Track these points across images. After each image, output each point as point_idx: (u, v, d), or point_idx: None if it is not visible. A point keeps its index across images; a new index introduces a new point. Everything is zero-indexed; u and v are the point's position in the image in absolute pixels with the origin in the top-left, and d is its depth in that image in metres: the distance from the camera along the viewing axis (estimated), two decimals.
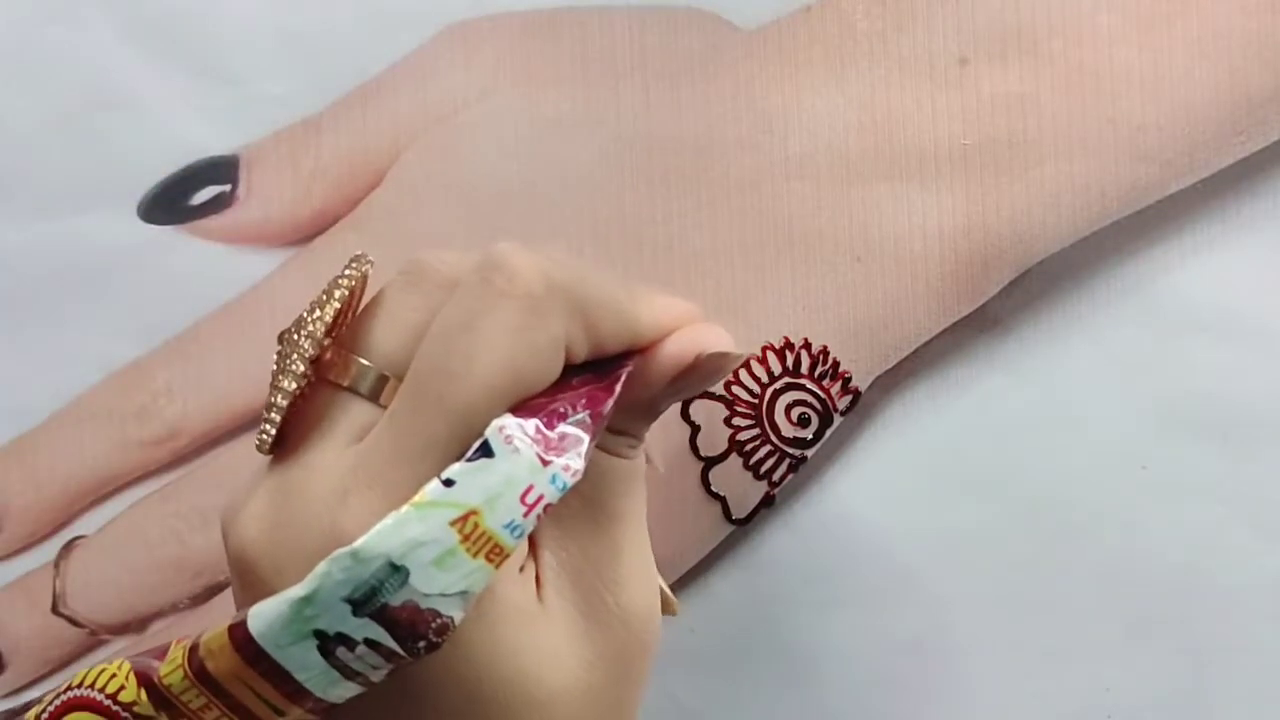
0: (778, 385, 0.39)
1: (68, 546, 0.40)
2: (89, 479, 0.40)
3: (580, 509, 0.29)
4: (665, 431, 0.39)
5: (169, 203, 0.41)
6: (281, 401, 0.28)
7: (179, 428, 0.40)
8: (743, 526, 0.40)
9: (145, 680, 0.26)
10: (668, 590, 0.37)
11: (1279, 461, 0.40)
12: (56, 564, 0.40)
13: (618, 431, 0.30)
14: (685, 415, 0.39)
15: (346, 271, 0.29)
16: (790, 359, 0.39)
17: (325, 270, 0.40)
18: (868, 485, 0.40)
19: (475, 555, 0.25)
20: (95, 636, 0.40)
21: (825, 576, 0.40)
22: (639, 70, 0.40)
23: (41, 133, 0.41)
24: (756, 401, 0.39)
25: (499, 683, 0.27)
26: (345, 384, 0.28)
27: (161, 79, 0.41)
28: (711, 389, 0.39)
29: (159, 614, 0.41)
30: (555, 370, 0.28)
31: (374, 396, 0.28)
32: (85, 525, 0.41)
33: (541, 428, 0.26)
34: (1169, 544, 0.40)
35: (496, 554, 0.25)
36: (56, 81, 0.41)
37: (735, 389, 0.39)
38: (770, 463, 0.39)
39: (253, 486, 0.29)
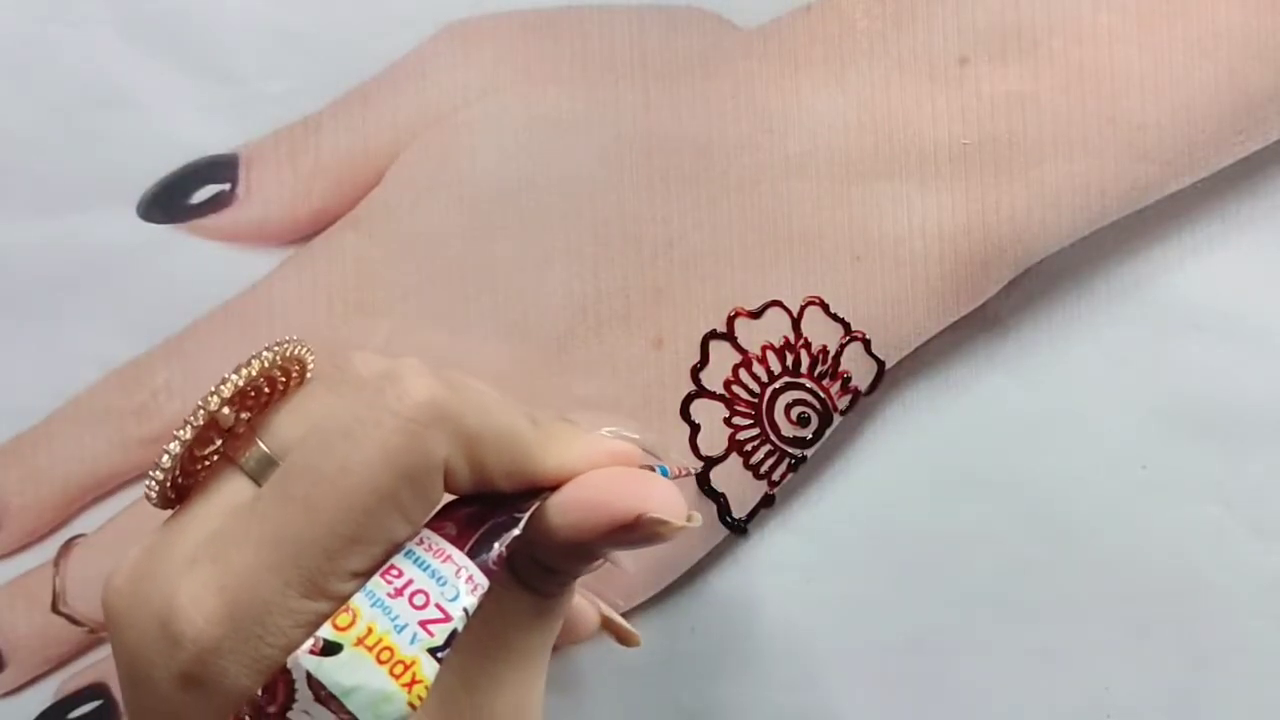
0: (777, 385, 0.39)
1: (67, 545, 0.40)
2: (88, 477, 0.40)
3: (482, 637, 0.28)
4: (666, 431, 0.39)
5: (168, 202, 0.41)
6: (166, 461, 0.28)
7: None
8: (742, 527, 0.40)
9: None
10: (622, 622, 0.36)
11: (1279, 461, 0.40)
12: (56, 563, 0.40)
13: (548, 568, 0.30)
14: (685, 415, 0.39)
15: (266, 351, 0.29)
16: (790, 359, 0.39)
17: (324, 269, 0.40)
18: (868, 485, 0.40)
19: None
20: (95, 635, 0.40)
21: (825, 576, 0.40)
22: (639, 70, 0.40)
23: (41, 132, 0.41)
24: (756, 401, 0.39)
25: None
26: (238, 460, 0.28)
27: (161, 78, 0.41)
28: (718, 391, 0.39)
29: None
30: (432, 496, 0.27)
31: (257, 477, 0.28)
32: (85, 524, 0.40)
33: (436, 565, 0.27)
34: (1169, 544, 0.40)
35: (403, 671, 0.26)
36: (56, 81, 0.41)
37: (735, 388, 0.39)
38: (770, 462, 0.39)
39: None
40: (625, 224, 0.39)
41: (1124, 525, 0.40)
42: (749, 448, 0.39)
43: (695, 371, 0.39)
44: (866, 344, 0.39)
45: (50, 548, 0.40)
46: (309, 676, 0.25)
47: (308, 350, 0.30)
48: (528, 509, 0.28)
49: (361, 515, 0.26)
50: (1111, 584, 0.40)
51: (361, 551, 0.26)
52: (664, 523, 0.29)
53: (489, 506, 0.28)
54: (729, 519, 0.39)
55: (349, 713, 0.25)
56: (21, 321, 0.41)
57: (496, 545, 0.27)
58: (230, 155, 0.41)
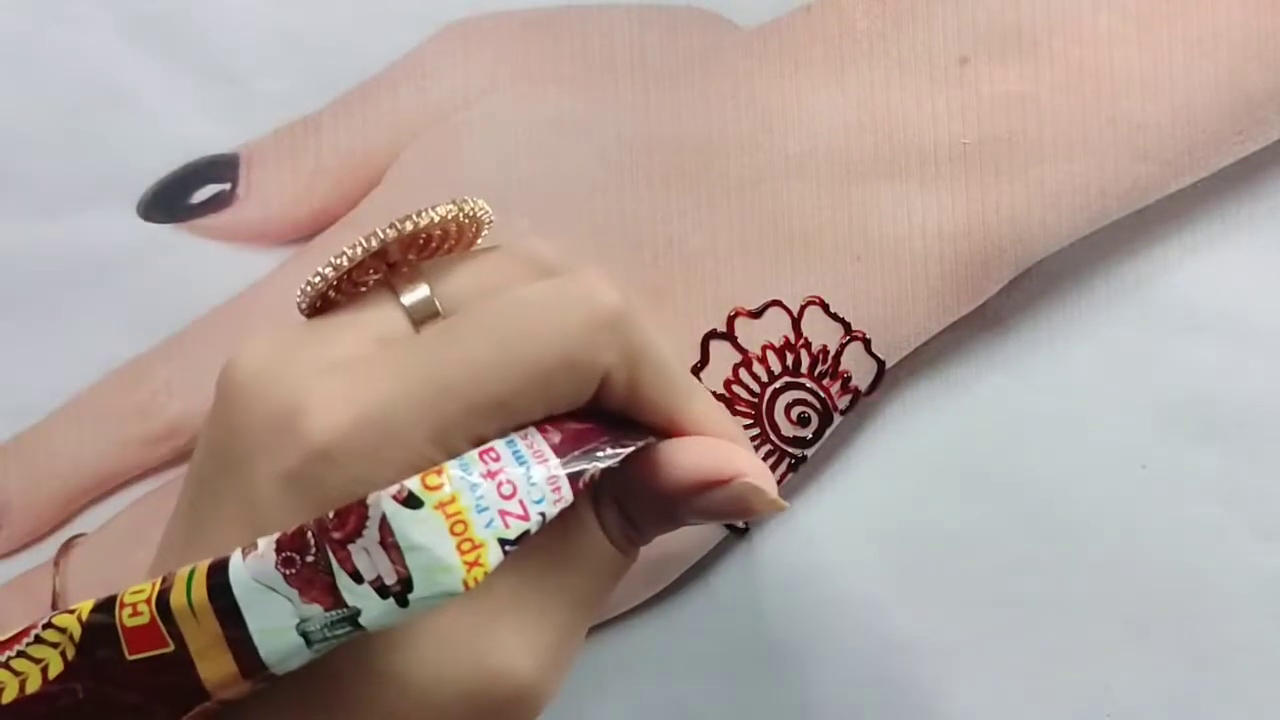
0: (777, 385, 0.39)
1: (67, 545, 0.40)
2: (89, 477, 0.40)
3: (544, 562, 0.28)
4: None
5: (169, 201, 0.41)
6: (328, 271, 0.29)
7: (179, 425, 0.40)
8: (743, 527, 0.40)
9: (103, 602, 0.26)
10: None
11: (1279, 461, 0.40)
12: (56, 562, 0.40)
13: (630, 520, 0.30)
14: None
15: (448, 204, 0.29)
16: (790, 358, 0.39)
17: None
18: (868, 485, 0.40)
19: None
20: None
21: (825, 576, 0.40)
22: (639, 70, 0.40)
23: (41, 132, 0.41)
24: (756, 401, 0.39)
25: (349, 670, 0.27)
26: (398, 292, 0.29)
27: (161, 77, 0.41)
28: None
29: None
30: (583, 393, 0.28)
31: (413, 315, 0.29)
32: (85, 523, 0.40)
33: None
34: (1169, 544, 0.40)
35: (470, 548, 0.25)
36: (56, 80, 0.41)
37: (735, 388, 0.39)
38: (770, 462, 0.39)
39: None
40: (625, 224, 0.39)
41: (1124, 525, 0.40)
42: None
43: (695, 371, 0.39)
44: (866, 344, 0.39)
45: (50, 548, 0.40)
46: (383, 519, 0.24)
47: (488, 214, 0.30)
48: (632, 444, 0.28)
49: (515, 383, 0.27)
50: (1111, 584, 0.40)
51: (499, 419, 0.27)
52: (759, 490, 0.29)
53: (597, 429, 0.28)
54: None
55: (406, 568, 0.24)
56: (22, 321, 0.41)
57: (591, 467, 0.27)
58: (230, 155, 0.41)
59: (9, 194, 0.41)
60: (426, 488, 0.25)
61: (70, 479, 0.40)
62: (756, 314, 0.39)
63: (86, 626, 0.26)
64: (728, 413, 0.30)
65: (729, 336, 0.39)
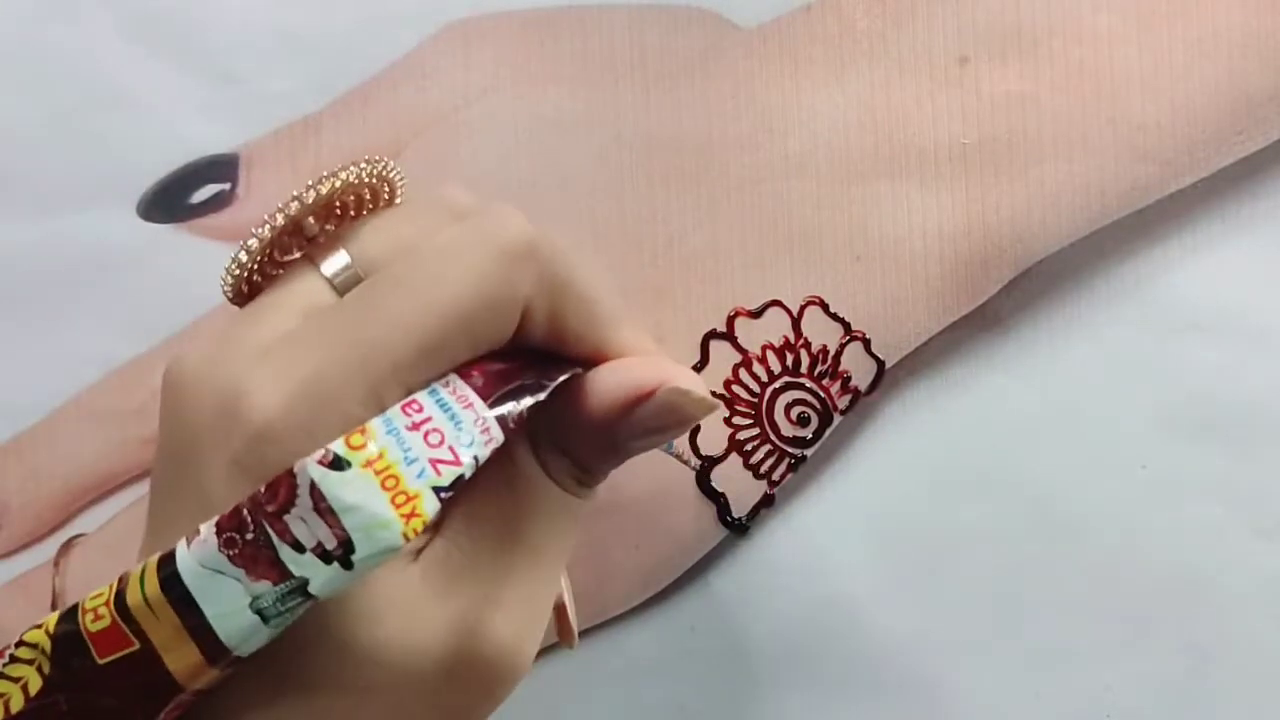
0: (777, 385, 0.39)
1: (67, 545, 0.40)
2: (89, 477, 0.40)
3: (496, 521, 0.28)
4: None
5: (169, 201, 0.41)
6: (243, 256, 0.29)
7: None
8: (742, 526, 0.40)
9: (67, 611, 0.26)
10: (572, 620, 0.35)
11: (1279, 461, 0.40)
12: (56, 562, 0.40)
13: (575, 461, 0.29)
14: None
15: (355, 165, 0.29)
16: (790, 358, 0.39)
17: None
18: (868, 485, 0.40)
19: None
20: None
21: (825, 576, 0.40)
22: (639, 70, 0.40)
23: (41, 132, 0.41)
24: (756, 401, 0.39)
25: (338, 644, 0.27)
26: (319, 264, 0.29)
27: (161, 77, 0.41)
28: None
29: None
30: (504, 329, 0.28)
31: (337, 284, 0.29)
32: (85, 523, 0.40)
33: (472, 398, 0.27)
34: (1169, 544, 0.40)
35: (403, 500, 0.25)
36: (56, 80, 0.41)
37: (735, 388, 0.39)
38: (770, 462, 0.39)
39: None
40: (625, 224, 0.39)
41: (1124, 525, 0.40)
42: (749, 448, 0.39)
43: (695, 371, 0.39)
44: (866, 344, 0.39)
45: (50, 548, 0.40)
46: (312, 485, 0.24)
47: (398, 172, 0.30)
48: (558, 378, 0.28)
49: (437, 331, 0.27)
50: (1111, 583, 0.40)
51: (426, 369, 0.27)
52: (685, 393, 0.29)
53: (522, 367, 0.28)
54: (729, 519, 0.39)
55: (344, 530, 0.24)
56: (21, 321, 0.41)
57: (518, 405, 0.27)
58: (231, 155, 0.41)
59: (9, 194, 0.41)
60: (351, 448, 0.25)
61: (70, 479, 0.40)
62: (756, 314, 0.39)
63: (55, 638, 0.26)
64: (654, 341, 0.30)
65: (729, 336, 0.39)
